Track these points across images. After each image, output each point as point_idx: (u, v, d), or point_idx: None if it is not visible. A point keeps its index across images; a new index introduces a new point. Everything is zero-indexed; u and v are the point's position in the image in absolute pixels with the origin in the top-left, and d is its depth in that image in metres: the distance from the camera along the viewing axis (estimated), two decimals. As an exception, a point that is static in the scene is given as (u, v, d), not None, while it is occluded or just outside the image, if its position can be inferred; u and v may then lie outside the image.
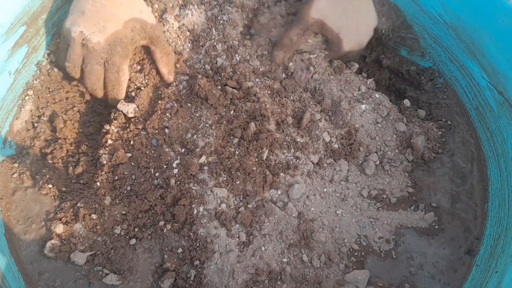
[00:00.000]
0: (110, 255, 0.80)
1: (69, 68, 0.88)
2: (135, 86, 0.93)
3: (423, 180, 0.91)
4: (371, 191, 0.89)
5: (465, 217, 0.87)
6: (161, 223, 0.82)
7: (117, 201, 0.83)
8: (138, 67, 0.96)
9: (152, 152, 0.86)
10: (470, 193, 0.90)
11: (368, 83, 0.97)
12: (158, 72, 0.94)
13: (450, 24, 0.95)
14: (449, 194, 0.90)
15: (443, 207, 0.88)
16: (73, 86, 0.96)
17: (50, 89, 0.96)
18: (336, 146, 0.91)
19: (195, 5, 0.97)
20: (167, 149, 0.85)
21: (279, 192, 0.85)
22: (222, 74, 0.91)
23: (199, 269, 0.78)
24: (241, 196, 0.85)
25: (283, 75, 0.96)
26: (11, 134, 0.91)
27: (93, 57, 0.86)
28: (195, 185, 0.84)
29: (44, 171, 0.88)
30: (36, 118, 0.93)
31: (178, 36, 0.96)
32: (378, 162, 0.91)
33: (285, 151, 0.87)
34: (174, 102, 0.90)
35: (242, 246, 0.80)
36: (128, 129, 0.88)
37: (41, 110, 0.94)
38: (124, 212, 0.82)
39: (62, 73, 0.95)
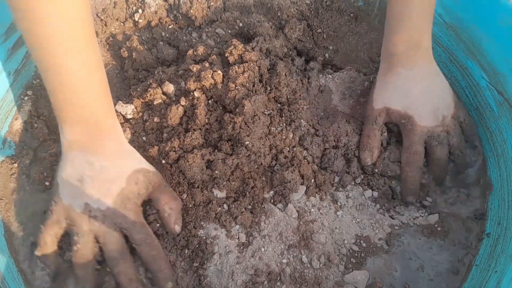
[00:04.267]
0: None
1: (47, 258, 0.76)
2: None
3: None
4: (374, 192, 0.89)
5: (466, 217, 0.87)
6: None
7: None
8: None
9: None
10: (470, 193, 0.90)
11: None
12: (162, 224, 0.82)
13: (450, 24, 0.95)
14: (449, 194, 0.90)
15: (444, 207, 0.88)
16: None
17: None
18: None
19: None
20: None
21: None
22: None
23: (199, 270, 0.79)
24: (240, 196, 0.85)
25: None
26: (10, 134, 0.91)
27: (104, 229, 0.74)
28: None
29: (44, 171, 0.89)
30: (36, 119, 0.93)
31: None
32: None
33: None
34: None
35: (241, 247, 0.80)
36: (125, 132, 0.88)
37: (40, 110, 0.94)
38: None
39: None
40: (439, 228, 0.85)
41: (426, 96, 0.87)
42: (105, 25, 1.05)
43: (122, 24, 1.07)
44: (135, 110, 0.91)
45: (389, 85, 0.89)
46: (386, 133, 0.92)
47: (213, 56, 0.92)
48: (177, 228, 0.80)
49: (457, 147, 0.88)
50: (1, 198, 0.85)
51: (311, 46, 1.03)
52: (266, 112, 0.86)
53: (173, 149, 0.84)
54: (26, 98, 0.94)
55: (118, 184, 0.76)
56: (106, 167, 0.76)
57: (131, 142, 0.88)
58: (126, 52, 1.01)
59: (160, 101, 0.90)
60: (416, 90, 0.87)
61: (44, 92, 0.95)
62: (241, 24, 1.02)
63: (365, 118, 0.93)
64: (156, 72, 0.96)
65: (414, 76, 0.87)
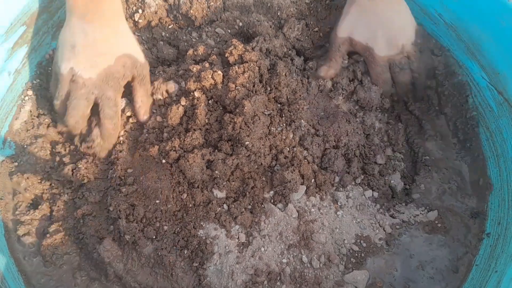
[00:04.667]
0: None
1: (57, 106, 0.86)
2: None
3: (424, 180, 0.92)
4: (374, 192, 0.89)
5: (465, 216, 0.87)
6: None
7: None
8: None
9: None
10: (471, 194, 0.90)
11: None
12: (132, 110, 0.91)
13: (450, 24, 0.95)
14: (449, 194, 0.91)
15: (444, 206, 0.88)
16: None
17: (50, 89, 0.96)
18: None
19: None
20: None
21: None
22: None
23: (198, 270, 0.79)
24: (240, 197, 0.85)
25: None
26: (10, 134, 0.91)
27: (82, 93, 0.82)
28: None
29: (44, 171, 0.89)
30: (36, 119, 0.93)
31: None
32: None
33: None
34: None
35: (241, 247, 0.80)
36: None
37: (41, 110, 0.94)
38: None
39: (49, 104, 0.93)
40: (439, 225, 0.85)
41: (386, 27, 0.92)
42: None
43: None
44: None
45: (353, 16, 0.94)
46: (347, 61, 0.98)
47: (213, 56, 0.92)
48: (145, 117, 0.90)
49: (416, 71, 0.95)
50: (1, 198, 0.85)
51: (309, 46, 1.03)
52: (266, 112, 0.86)
53: (174, 148, 0.84)
54: (26, 98, 0.94)
55: (106, 60, 0.82)
56: (98, 40, 0.81)
57: (131, 141, 0.89)
58: None
59: (160, 97, 0.91)
60: (376, 22, 0.92)
61: (44, 92, 0.95)
62: (240, 24, 1.02)
63: (329, 44, 0.98)
64: (156, 72, 0.96)
65: (376, 7, 0.91)
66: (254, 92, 0.87)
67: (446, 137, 0.97)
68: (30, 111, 0.94)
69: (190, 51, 0.96)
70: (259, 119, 0.83)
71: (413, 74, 0.95)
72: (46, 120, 0.93)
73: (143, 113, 0.89)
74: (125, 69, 0.85)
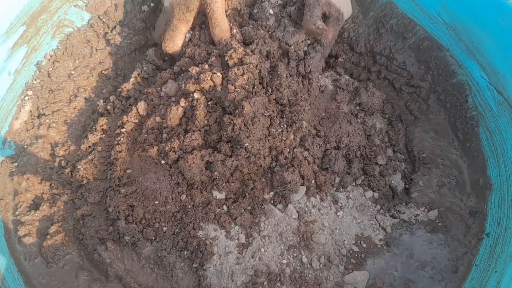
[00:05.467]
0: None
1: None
2: None
3: (422, 177, 0.92)
4: (374, 193, 0.89)
5: (465, 215, 0.87)
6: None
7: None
8: None
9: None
10: (470, 192, 0.90)
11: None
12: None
13: (450, 24, 0.95)
14: (448, 189, 0.91)
15: (444, 205, 0.89)
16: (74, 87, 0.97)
17: (50, 90, 0.96)
18: None
19: None
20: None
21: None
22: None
23: (198, 271, 0.79)
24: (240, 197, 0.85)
25: None
26: (10, 134, 0.91)
27: (162, 17, 0.99)
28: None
29: (44, 172, 0.89)
30: (36, 119, 0.93)
31: None
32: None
33: None
34: None
35: (241, 248, 0.80)
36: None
37: (40, 110, 0.94)
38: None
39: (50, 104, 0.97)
40: (440, 224, 0.85)
41: None
42: (107, 27, 1.06)
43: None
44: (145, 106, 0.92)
45: None
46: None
47: (212, 58, 0.91)
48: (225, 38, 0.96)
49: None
50: (1, 198, 0.85)
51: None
52: (266, 114, 0.86)
53: (173, 149, 0.84)
54: (26, 98, 0.94)
55: None
56: None
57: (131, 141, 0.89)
58: None
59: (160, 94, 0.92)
60: None
61: (44, 92, 0.95)
62: None
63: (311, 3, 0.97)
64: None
65: None
66: (253, 93, 0.87)
67: (445, 135, 0.97)
68: (30, 111, 0.94)
69: (189, 50, 0.96)
70: (259, 120, 0.83)
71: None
72: (47, 120, 0.93)
73: (222, 38, 0.95)
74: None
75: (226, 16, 0.96)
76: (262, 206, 0.84)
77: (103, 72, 1.03)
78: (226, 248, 0.79)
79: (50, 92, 0.96)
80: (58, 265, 0.81)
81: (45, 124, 0.93)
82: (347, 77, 0.99)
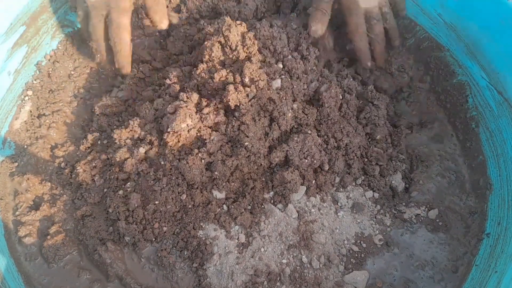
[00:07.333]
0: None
1: (80, 32, 0.90)
2: None
3: (421, 175, 0.92)
4: (374, 193, 0.89)
5: (465, 215, 0.87)
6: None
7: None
8: None
9: None
10: (470, 192, 0.91)
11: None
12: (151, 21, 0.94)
13: (450, 24, 0.95)
14: (447, 185, 0.91)
15: (444, 204, 0.89)
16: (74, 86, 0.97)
17: (50, 90, 0.96)
18: None
19: None
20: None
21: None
22: None
23: (198, 271, 0.79)
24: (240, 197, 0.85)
25: None
26: (10, 134, 0.91)
27: (94, 15, 0.86)
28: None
29: (44, 172, 0.89)
30: (36, 119, 0.93)
31: None
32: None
33: None
34: None
35: (241, 248, 0.80)
36: None
37: (40, 110, 0.94)
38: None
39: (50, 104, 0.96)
40: (440, 223, 0.86)
41: None
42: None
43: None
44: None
45: None
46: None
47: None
48: (163, 25, 0.94)
49: (390, 22, 0.97)
50: (1, 198, 0.85)
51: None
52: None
53: (172, 151, 0.84)
54: (26, 98, 0.94)
55: None
56: None
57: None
58: None
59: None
60: None
61: (44, 92, 0.96)
62: None
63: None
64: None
65: None
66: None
67: (445, 135, 0.97)
68: (30, 111, 0.94)
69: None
70: (259, 119, 0.83)
71: (386, 25, 0.97)
72: (47, 121, 0.93)
73: (159, 20, 0.92)
74: None
75: None
76: (262, 206, 0.84)
77: (103, 72, 1.03)
78: (226, 248, 0.79)
79: (50, 92, 0.96)
80: (58, 265, 0.81)
81: (45, 124, 0.93)
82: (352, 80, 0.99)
